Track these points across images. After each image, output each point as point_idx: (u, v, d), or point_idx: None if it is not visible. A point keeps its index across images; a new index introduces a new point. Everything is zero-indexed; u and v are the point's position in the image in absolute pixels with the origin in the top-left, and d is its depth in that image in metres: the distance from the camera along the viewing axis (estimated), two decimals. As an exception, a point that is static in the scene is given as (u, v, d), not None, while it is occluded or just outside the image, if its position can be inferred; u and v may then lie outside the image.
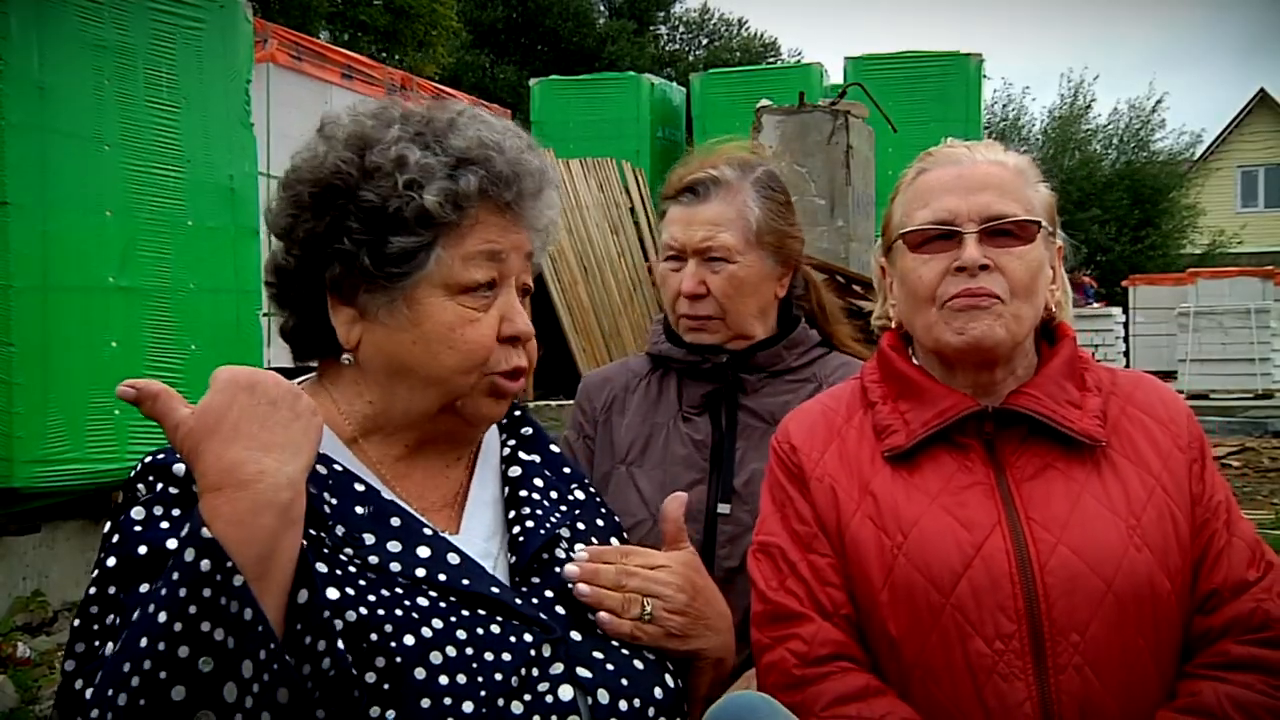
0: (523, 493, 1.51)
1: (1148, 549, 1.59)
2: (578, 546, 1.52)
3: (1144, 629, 1.57)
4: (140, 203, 5.93)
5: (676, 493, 1.59)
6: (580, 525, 1.55)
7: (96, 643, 1.20)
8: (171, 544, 1.23)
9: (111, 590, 1.23)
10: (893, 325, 1.81)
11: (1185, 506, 1.64)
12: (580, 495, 1.60)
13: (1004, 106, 30.56)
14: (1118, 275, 23.41)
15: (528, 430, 1.60)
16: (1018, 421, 1.66)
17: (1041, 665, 1.54)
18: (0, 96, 5.31)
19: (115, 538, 1.26)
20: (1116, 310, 20.27)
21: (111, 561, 1.24)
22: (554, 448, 1.62)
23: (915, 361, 1.76)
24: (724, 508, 2.14)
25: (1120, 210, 26.00)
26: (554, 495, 1.54)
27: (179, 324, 6.09)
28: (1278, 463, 11.75)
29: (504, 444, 1.58)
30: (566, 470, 1.60)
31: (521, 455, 1.57)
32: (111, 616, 1.20)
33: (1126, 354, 19.36)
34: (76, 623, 1.24)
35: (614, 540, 1.61)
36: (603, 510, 1.63)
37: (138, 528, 1.26)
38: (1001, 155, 1.73)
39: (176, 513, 1.27)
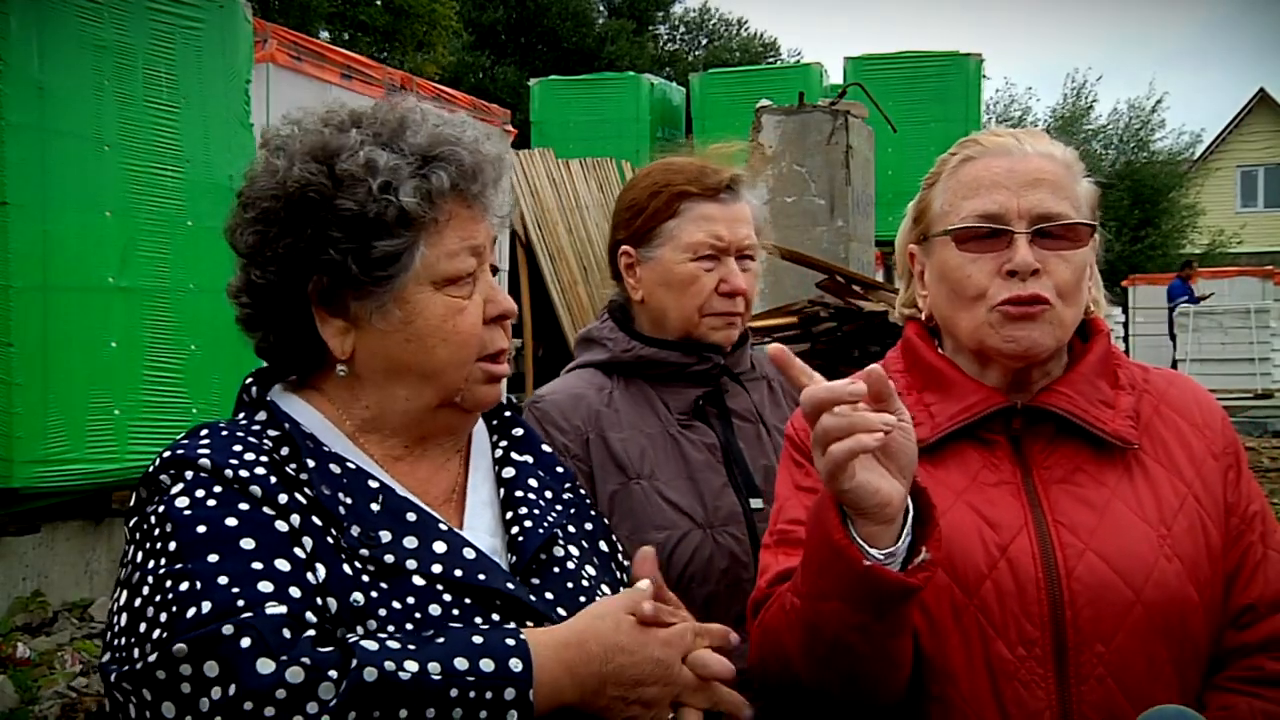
0: (518, 493, 1.51)
1: (1178, 559, 1.54)
2: (571, 548, 1.52)
3: (1170, 641, 1.53)
4: (140, 203, 5.93)
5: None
6: (571, 527, 1.56)
7: (175, 608, 1.21)
8: (231, 522, 1.27)
9: (179, 566, 1.24)
10: (922, 316, 1.74)
11: (1218, 516, 1.60)
12: (570, 496, 1.60)
13: (1006, 106, 30.59)
14: (1117, 275, 23.41)
15: (519, 431, 1.60)
16: (1046, 419, 1.61)
17: (1063, 674, 1.51)
18: (0, 96, 5.31)
19: (167, 526, 1.28)
20: (1116, 310, 20.29)
21: (173, 545, 1.26)
22: (545, 448, 1.62)
23: (941, 352, 1.71)
24: (756, 502, 2.14)
25: (1120, 210, 26.01)
26: (549, 495, 1.54)
27: (179, 324, 6.08)
28: (1278, 463, 11.75)
29: (495, 445, 1.58)
30: (559, 470, 1.61)
31: (514, 456, 1.57)
32: (186, 584, 1.22)
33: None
34: (134, 602, 1.25)
35: (602, 544, 1.61)
36: (592, 512, 1.64)
37: (187, 512, 1.28)
38: (1050, 147, 1.65)
39: (218, 490, 1.30)
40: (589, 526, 1.60)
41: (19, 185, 5.37)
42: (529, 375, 12.39)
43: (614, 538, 1.66)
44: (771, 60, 28.23)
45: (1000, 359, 1.61)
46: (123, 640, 1.24)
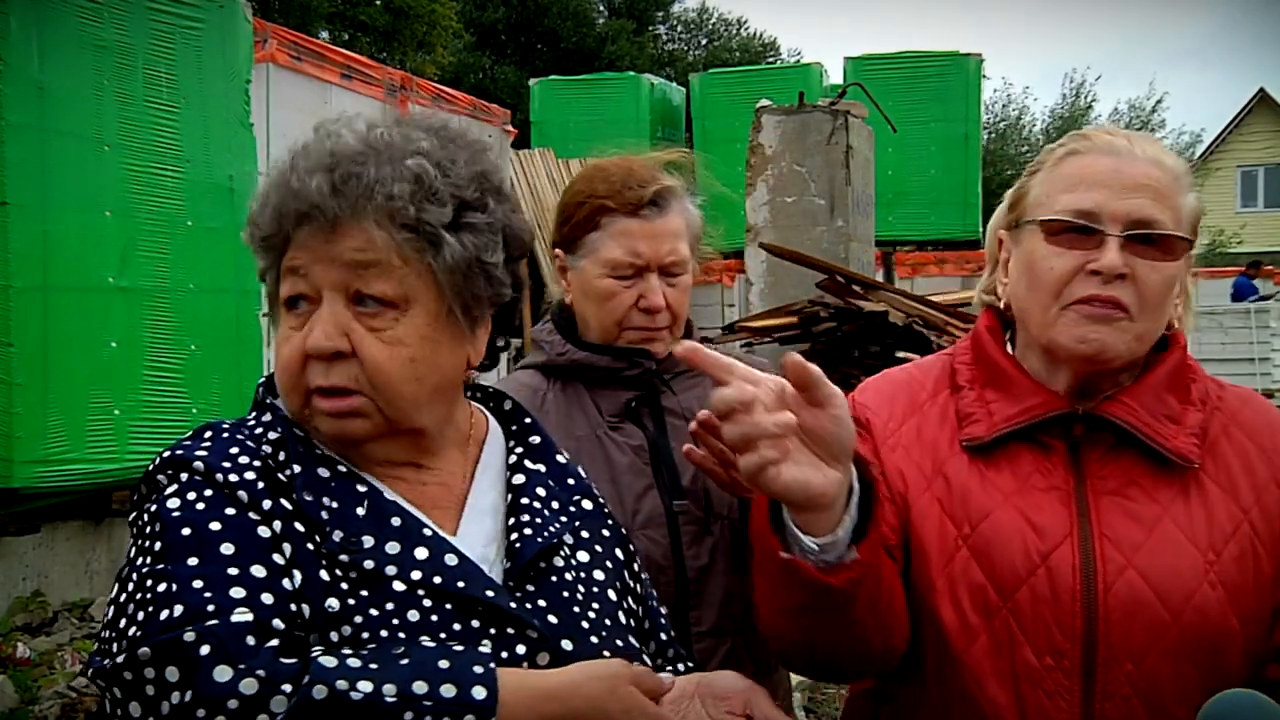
0: (523, 500, 1.49)
1: (1222, 587, 1.50)
2: (580, 554, 1.51)
3: (1203, 669, 1.49)
4: (140, 203, 5.93)
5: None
6: (584, 533, 1.54)
7: (151, 609, 1.23)
8: (215, 526, 1.28)
9: (160, 566, 1.26)
10: (1001, 304, 1.69)
11: (1272, 546, 1.55)
12: (588, 505, 1.58)
13: (1004, 106, 30.63)
14: (1117, 275, 23.40)
15: (536, 439, 1.59)
16: (1107, 428, 1.57)
17: (1089, 689, 1.48)
18: (0, 96, 5.31)
19: (156, 526, 1.29)
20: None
21: (158, 546, 1.28)
22: (560, 458, 1.60)
23: (1010, 350, 1.67)
24: (679, 504, 2.11)
25: (1120, 210, 25.99)
26: (555, 505, 1.52)
27: (179, 324, 6.09)
28: (1277, 463, 11.72)
29: (510, 451, 1.57)
30: (571, 481, 1.58)
31: (527, 464, 1.55)
32: (164, 585, 1.23)
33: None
34: (121, 597, 1.27)
35: (617, 551, 1.59)
36: (610, 522, 1.61)
37: (176, 514, 1.29)
38: (1161, 154, 1.59)
39: (209, 494, 1.31)
40: (605, 534, 1.58)
41: (19, 185, 5.38)
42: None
43: (631, 548, 1.63)
44: (771, 60, 28.25)
45: (1069, 360, 1.57)
46: (107, 634, 1.26)
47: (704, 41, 29.69)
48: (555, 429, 2.14)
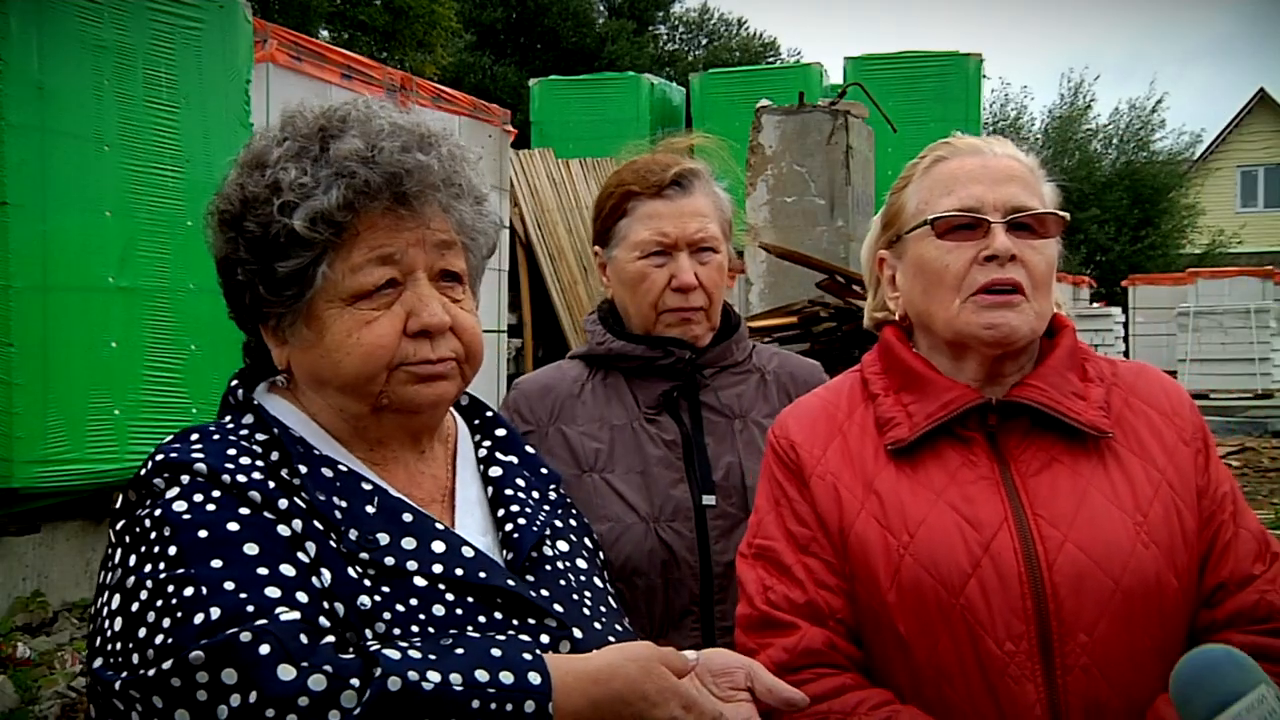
0: (508, 491, 1.52)
1: (1155, 546, 1.57)
2: (559, 543, 1.53)
3: (1150, 627, 1.56)
4: (139, 203, 5.93)
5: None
6: (558, 524, 1.57)
7: (180, 614, 1.20)
8: (233, 526, 1.27)
9: (181, 570, 1.23)
10: (896, 317, 1.77)
11: (1191, 501, 1.63)
12: (553, 496, 1.61)
13: (1002, 106, 30.60)
14: (1117, 275, 23.42)
15: (501, 432, 1.61)
16: (1020, 413, 1.64)
17: (1050, 666, 1.53)
18: (0, 96, 5.31)
19: (165, 530, 1.27)
20: (1116, 310, 20.30)
21: (172, 550, 1.25)
22: (529, 449, 1.63)
23: (917, 352, 1.74)
24: (709, 499, 2.14)
25: (1120, 210, 26.01)
26: (535, 495, 1.55)
27: (178, 324, 6.08)
28: (1278, 463, 11.78)
29: (479, 445, 1.58)
30: (544, 471, 1.62)
31: (499, 456, 1.57)
32: (191, 589, 1.21)
33: (1126, 354, 19.40)
34: (131, 606, 1.24)
35: (587, 540, 1.61)
36: (574, 512, 1.65)
37: (186, 516, 1.28)
38: (1015, 151, 1.73)
39: (216, 494, 1.30)
40: (574, 523, 1.62)
41: (19, 185, 5.37)
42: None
43: (596, 537, 1.67)
44: (771, 60, 28.23)
45: (979, 347, 1.64)
46: (118, 645, 1.23)
47: (704, 41, 29.66)
48: (593, 418, 2.21)
